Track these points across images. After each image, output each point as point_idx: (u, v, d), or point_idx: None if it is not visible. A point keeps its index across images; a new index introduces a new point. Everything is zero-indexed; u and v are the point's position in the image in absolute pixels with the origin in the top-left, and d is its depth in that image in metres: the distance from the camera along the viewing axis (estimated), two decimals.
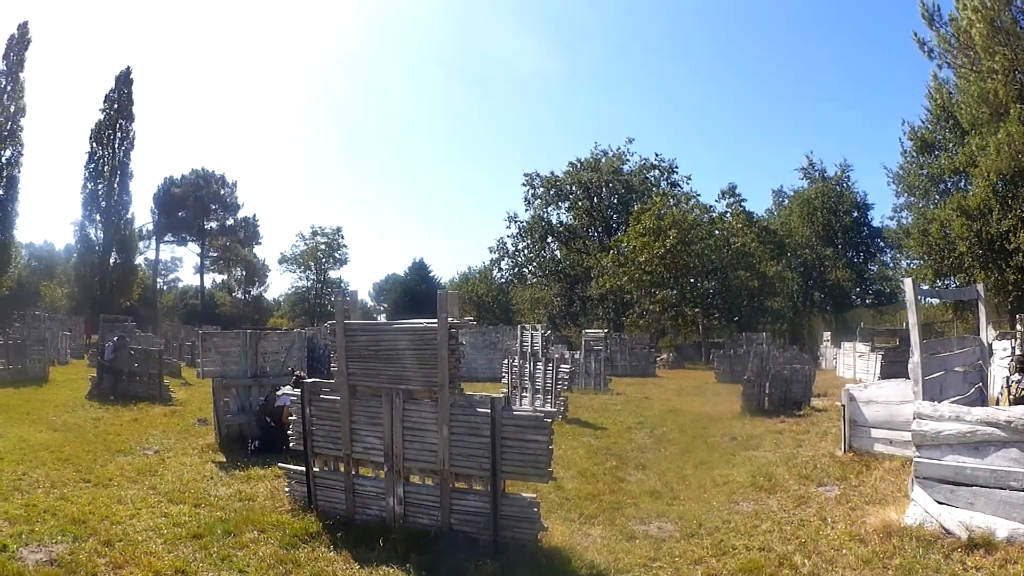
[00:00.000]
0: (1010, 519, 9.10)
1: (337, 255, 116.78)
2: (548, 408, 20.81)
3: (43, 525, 10.24)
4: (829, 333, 59.00)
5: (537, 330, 25.78)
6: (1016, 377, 17.29)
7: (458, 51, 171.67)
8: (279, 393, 16.58)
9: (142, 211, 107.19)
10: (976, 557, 8.82)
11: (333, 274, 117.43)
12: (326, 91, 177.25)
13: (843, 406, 16.44)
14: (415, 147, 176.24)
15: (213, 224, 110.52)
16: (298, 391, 11.50)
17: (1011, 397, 16.53)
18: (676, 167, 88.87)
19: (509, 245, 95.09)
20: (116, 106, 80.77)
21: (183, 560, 8.99)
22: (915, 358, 13.97)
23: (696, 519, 11.03)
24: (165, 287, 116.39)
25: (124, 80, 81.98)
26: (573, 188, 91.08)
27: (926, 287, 48.11)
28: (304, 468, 11.17)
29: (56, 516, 10.71)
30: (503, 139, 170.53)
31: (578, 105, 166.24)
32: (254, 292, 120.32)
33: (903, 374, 16.26)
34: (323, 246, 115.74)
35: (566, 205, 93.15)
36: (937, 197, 55.85)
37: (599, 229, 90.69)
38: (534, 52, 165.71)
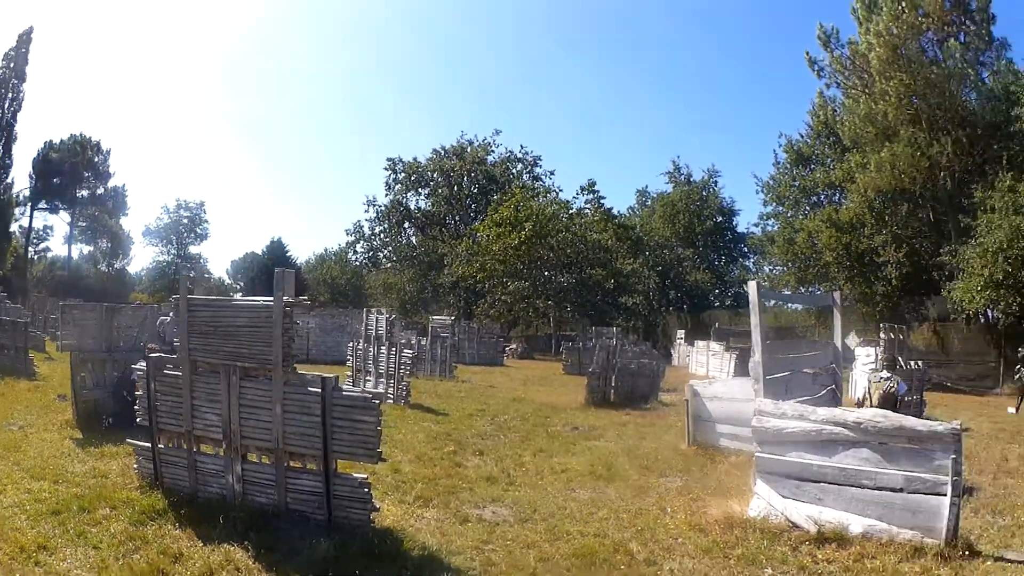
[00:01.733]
0: (864, 515, 9.35)
1: (199, 230, 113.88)
2: (380, 390, 21.22)
3: None
4: (683, 331, 60.13)
5: (383, 314, 25.85)
6: (885, 374, 17.91)
7: (331, 31, 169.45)
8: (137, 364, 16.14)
9: (22, 176, 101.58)
10: (828, 551, 9.03)
11: (194, 249, 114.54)
12: (196, 60, 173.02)
13: (687, 401, 16.81)
14: (281, 124, 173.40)
15: (85, 192, 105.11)
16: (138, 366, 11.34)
17: (880, 395, 17.15)
18: (540, 161, 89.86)
19: (366, 229, 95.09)
20: (13, 64, 78.18)
21: (44, 536, 8.98)
22: (756, 357, 14.45)
23: (531, 505, 11.16)
24: (36, 257, 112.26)
25: (25, 39, 79.36)
26: (435, 175, 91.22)
27: (788, 292, 49.67)
28: (149, 444, 11.04)
29: None
30: (370, 123, 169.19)
31: (448, 96, 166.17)
32: (117, 265, 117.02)
33: None
34: (186, 220, 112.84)
35: (426, 192, 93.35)
36: (808, 208, 57.97)
37: (457, 217, 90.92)
38: (405, 37, 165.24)
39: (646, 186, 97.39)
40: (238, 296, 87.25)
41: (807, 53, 49.80)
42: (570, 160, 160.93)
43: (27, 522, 9.44)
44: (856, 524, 9.30)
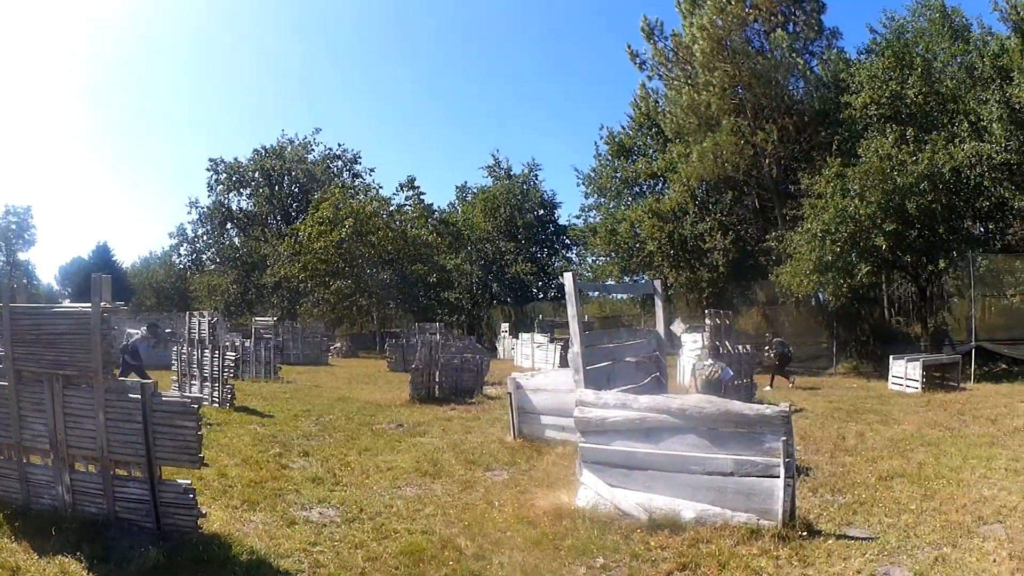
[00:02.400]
0: (696, 500, 9.54)
1: (26, 236, 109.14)
2: (198, 395, 20.68)
3: None
4: (508, 324, 60.57)
5: (205, 317, 25.46)
6: (709, 362, 18.25)
7: (153, 30, 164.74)
8: None
9: None
10: (660, 537, 9.14)
11: (22, 256, 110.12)
12: (17, 54, 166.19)
13: (510, 394, 16.89)
14: (105, 125, 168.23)
15: None
16: None
17: (704, 380, 17.46)
18: (360, 158, 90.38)
19: (189, 231, 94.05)
20: None
21: None
22: (575, 348, 14.69)
23: (358, 504, 11.19)
24: None
25: None
26: (256, 175, 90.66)
27: (612, 282, 50.49)
28: None
29: None
30: (194, 123, 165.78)
31: (267, 95, 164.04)
32: None
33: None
34: (13, 226, 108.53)
35: (247, 192, 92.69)
36: (630, 199, 58.97)
37: (278, 217, 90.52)
38: (227, 29, 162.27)
39: (465, 181, 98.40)
40: (66, 303, 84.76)
41: (628, 46, 50.86)
42: (390, 157, 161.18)
43: None
44: (688, 510, 9.45)
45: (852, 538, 9.20)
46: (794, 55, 43.43)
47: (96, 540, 9.03)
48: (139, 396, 9.31)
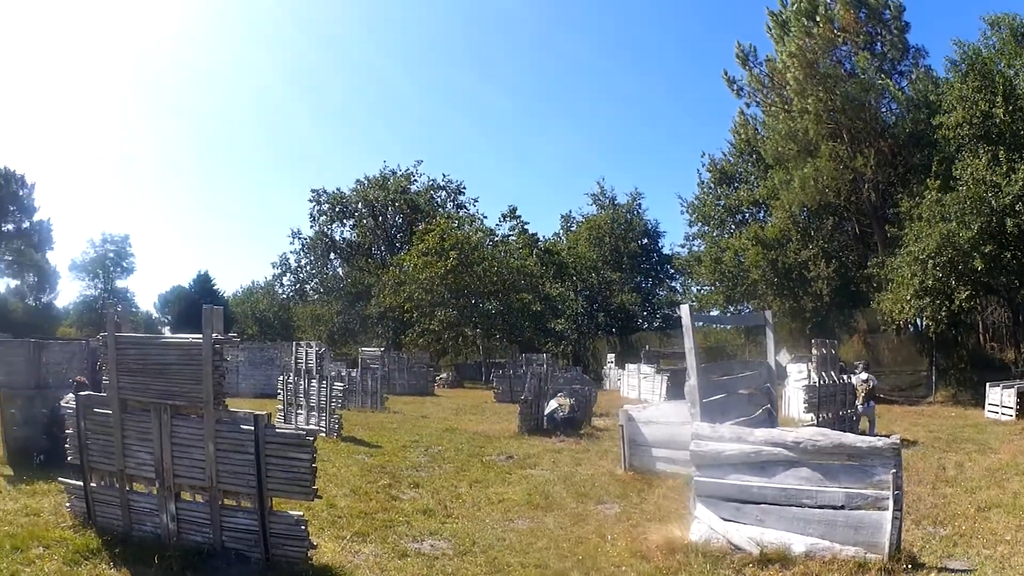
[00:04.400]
0: (806, 534, 9.38)
1: (124, 264, 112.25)
2: (315, 426, 21.02)
3: None
4: (614, 355, 60.13)
5: (312, 347, 25.49)
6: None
7: (249, 60, 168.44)
8: (63, 402, 15.80)
9: None
10: (771, 571, 9.05)
11: (120, 283, 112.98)
12: (116, 92, 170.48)
13: (622, 426, 16.74)
14: (205, 157, 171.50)
15: (10, 226, 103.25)
16: (68, 404, 11.35)
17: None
18: (464, 189, 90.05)
19: (292, 261, 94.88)
20: None
21: None
22: (692, 381, 14.44)
23: (470, 537, 11.02)
24: None
25: None
26: (359, 206, 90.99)
27: (716, 313, 49.95)
28: (82, 483, 10.88)
29: None
30: (295, 153, 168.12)
31: (371, 126, 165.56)
32: (44, 299, 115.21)
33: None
34: (111, 254, 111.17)
35: (351, 222, 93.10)
36: (733, 227, 58.35)
37: (382, 248, 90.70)
38: (326, 65, 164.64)
39: (570, 211, 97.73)
40: (166, 331, 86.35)
41: (725, 72, 50.58)
42: (493, 187, 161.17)
43: None
44: (799, 543, 9.31)
45: (952, 571, 9.11)
46: (882, 76, 42.84)
47: (200, 569, 9.15)
48: (251, 427, 9.36)
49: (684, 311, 15.07)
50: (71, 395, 15.25)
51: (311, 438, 9.28)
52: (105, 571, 9.13)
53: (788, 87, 43.92)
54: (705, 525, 10.01)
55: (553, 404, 24.72)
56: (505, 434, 23.84)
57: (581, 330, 77.97)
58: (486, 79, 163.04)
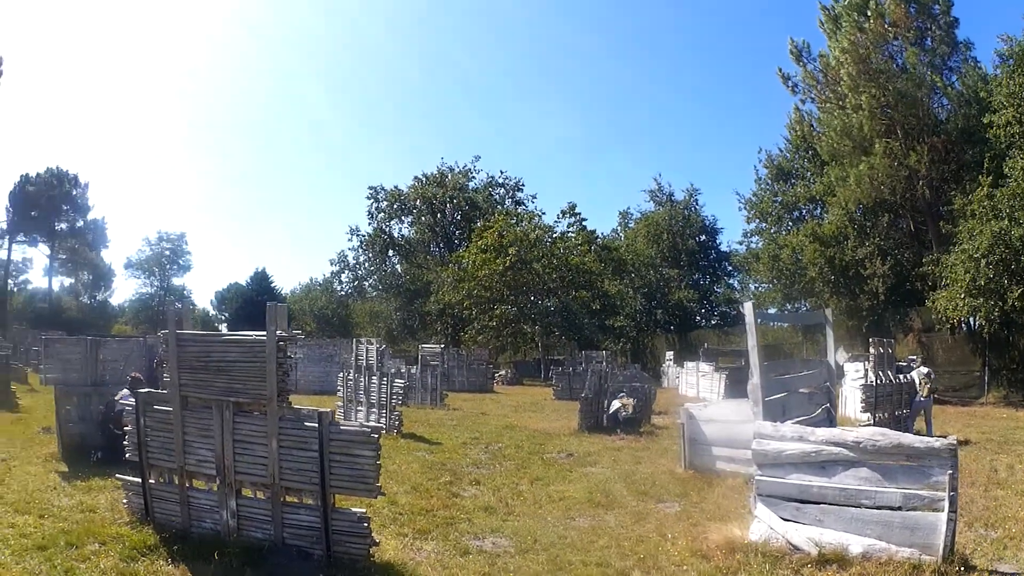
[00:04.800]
0: (864, 535, 9.31)
1: (181, 262, 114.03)
2: (376, 423, 20.67)
3: None
4: (672, 352, 59.87)
5: (372, 344, 25.60)
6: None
7: (306, 59, 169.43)
8: (118, 397, 16.10)
9: None
10: (828, 572, 9.02)
11: (177, 281, 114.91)
12: (171, 91, 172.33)
13: (683, 424, 16.67)
14: (262, 154, 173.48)
15: (64, 225, 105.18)
16: (133, 397, 11.32)
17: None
18: (522, 185, 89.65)
19: (350, 258, 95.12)
20: None
21: (30, 572, 8.87)
22: (754, 379, 14.37)
23: (531, 534, 11.04)
24: (15, 289, 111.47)
25: None
26: (417, 203, 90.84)
27: (774, 311, 49.70)
28: (140, 480, 10.93)
29: None
30: (350, 151, 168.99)
31: (427, 120, 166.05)
32: (99, 297, 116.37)
33: (746, 394, 16.46)
34: (167, 252, 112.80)
35: (409, 219, 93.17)
36: (790, 224, 57.95)
37: (441, 245, 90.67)
38: (383, 61, 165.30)
39: (628, 207, 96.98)
40: (223, 328, 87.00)
41: (779, 69, 50.27)
42: (550, 183, 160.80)
43: (11, 557, 9.36)
44: (856, 544, 9.26)
45: (1003, 574, 9.12)
46: (932, 72, 42.43)
47: (260, 565, 9.19)
48: (316, 424, 9.38)
49: (747, 309, 15.02)
50: (124, 391, 15.53)
51: (376, 435, 9.26)
52: (163, 567, 9.19)
53: (842, 83, 43.59)
54: (765, 525, 9.99)
55: (616, 404, 24.71)
56: (565, 431, 23.86)
57: (640, 327, 77.69)
58: (545, 75, 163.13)
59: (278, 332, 9.60)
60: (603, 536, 10.93)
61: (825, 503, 9.68)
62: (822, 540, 9.45)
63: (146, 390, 11.53)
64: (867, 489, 9.44)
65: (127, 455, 11.20)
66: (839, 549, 9.27)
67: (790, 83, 50.04)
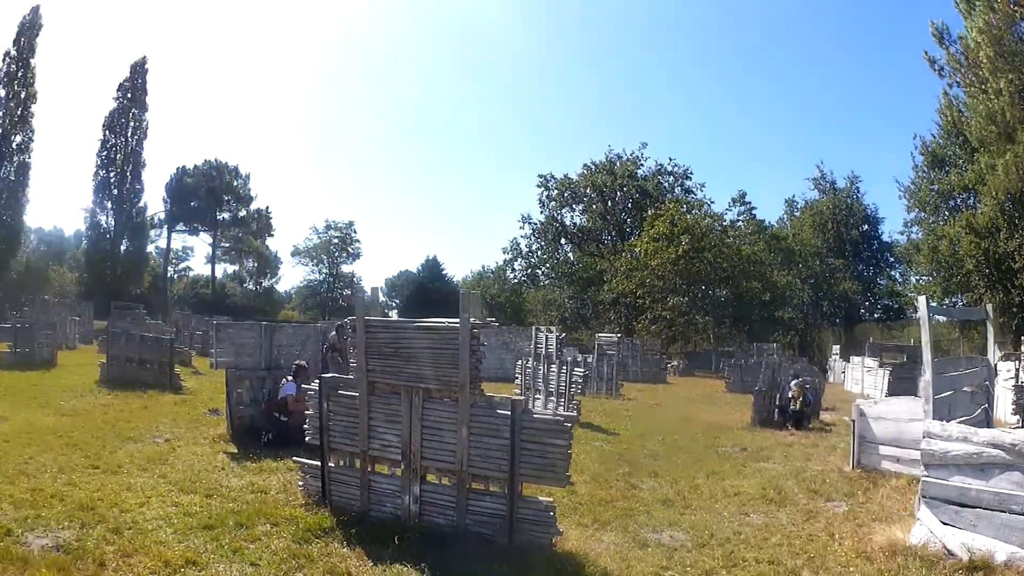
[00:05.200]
0: (1009, 543, 9.08)
1: (350, 249, 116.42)
2: (566, 412, 20.81)
3: (50, 510, 10.13)
4: (839, 346, 58.65)
5: (551, 332, 25.52)
6: None
7: (474, 48, 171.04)
8: (282, 384, 16.60)
9: (154, 200, 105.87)
10: None
11: (345, 268, 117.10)
12: (340, 84, 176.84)
13: (853, 422, 16.45)
14: (430, 143, 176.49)
15: (225, 215, 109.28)
16: (310, 384, 11.68)
17: None
18: (690, 173, 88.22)
19: (523, 246, 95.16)
20: (130, 95, 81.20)
21: (193, 551, 8.87)
22: (926, 376, 13.98)
23: (707, 529, 11.01)
24: (175, 276, 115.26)
25: (139, 69, 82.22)
26: (587, 191, 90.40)
27: (934, 304, 48.26)
28: (319, 463, 11.06)
29: (63, 501, 10.61)
30: (518, 138, 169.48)
31: (594, 107, 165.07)
32: (265, 284, 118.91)
33: (910, 391, 16.38)
34: (336, 240, 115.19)
35: (580, 207, 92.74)
36: (947, 213, 55.94)
37: (612, 233, 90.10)
38: (550, 52, 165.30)
39: (793, 195, 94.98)
40: (393, 315, 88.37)
41: (925, 52, 47.70)
42: (712, 171, 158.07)
43: (174, 536, 9.39)
44: (1001, 552, 9.07)
45: None
46: None
47: (441, 551, 9.01)
48: (508, 412, 9.28)
49: (921, 303, 14.52)
50: (287, 379, 16.04)
51: (568, 424, 9.19)
52: (337, 549, 9.15)
53: (982, 66, 40.91)
54: (925, 528, 9.87)
55: (788, 395, 24.51)
56: (738, 425, 23.95)
57: (807, 319, 76.29)
58: (702, 64, 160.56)
59: (471, 319, 9.49)
60: (776, 533, 10.91)
61: (980, 507, 9.43)
62: (973, 546, 9.23)
63: (330, 375, 11.59)
64: (1017, 494, 9.16)
65: (307, 438, 11.34)
66: (986, 556, 9.08)
67: (936, 66, 47.67)
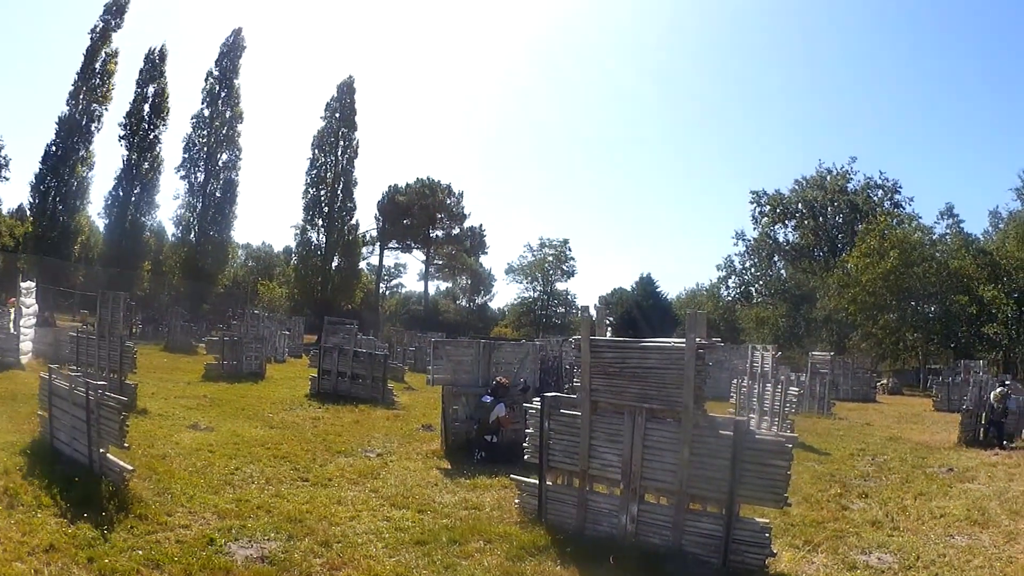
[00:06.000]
0: None
1: (564, 267, 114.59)
2: (781, 432, 20.72)
3: (256, 521, 9.94)
4: None
5: (767, 351, 24.86)
6: None
7: (679, 65, 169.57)
8: (484, 399, 16.30)
9: (366, 217, 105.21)
10: None
11: (560, 286, 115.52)
12: (554, 102, 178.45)
13: None
14: (641, 161, 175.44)
15: (439, 232, 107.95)
16: (514, 401, 11.87)
17: None
18: (899, 187, 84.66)
19: (736, 263, 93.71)
20: (338, 115, 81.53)
21: (404, 566, 8.61)
22: None
23: (915, 551, 10.64)
24: (388, 292, 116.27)
25: (347, 89, 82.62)
26: (799, 206, 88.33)
27: None
28: (537, 481, 10.73)
29: (270, 513, 10.38)
30: (726, 154, 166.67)
31: (798, 120, 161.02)
32: (479, 301, 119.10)
33: None
34: (550, 258, 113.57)
35: (792, 223, 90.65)
36: None
37: (824, 249, 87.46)
38: (756, 66, 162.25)
39: (996, 206, 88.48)
40: (608, 333, 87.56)
41: None
42: (919, 182, 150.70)
43: (384, 550, 9.12)
44: None
45: None
46: None
47: (656, 571, 8.78)
48: (731, 433, 8.94)
49: None
50: (486, 396, 15.80)
51: (790, 445, 8.83)
52: (551, 568, 8.80)
53: None
54: None
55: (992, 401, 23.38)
56: (945, 444, 22.96)
57: (1011, 335, 72.34)
58: (908, 73, 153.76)
59: (697, 339, 9.18)
60: (978, 556, 10.45)
61: None
62: None
63: (552, 395, 11.21)
64: None
65: (526, 457, 11.01)
66: None
67: None
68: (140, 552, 8.39)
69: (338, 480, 13.14)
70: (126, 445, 11.03)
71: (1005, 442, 22.47)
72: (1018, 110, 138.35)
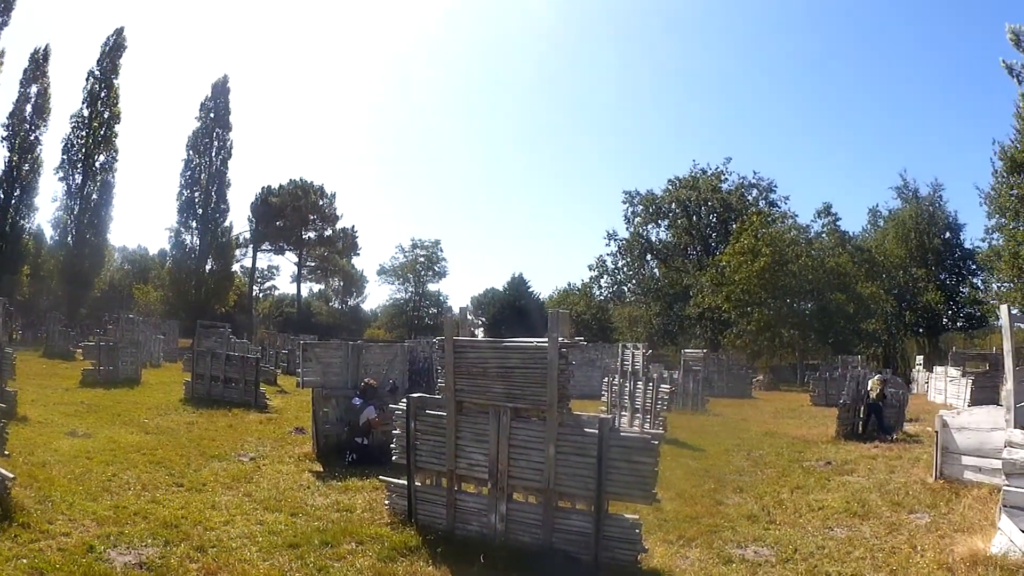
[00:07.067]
0: None
1: (436, 268, 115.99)
2: (652, 429, 20.74)
3: (133, 527, 10.09)
4: (922, 357, 57.52)
5: (638, 349, 25.14)
6: None
7: (555, 68, 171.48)
8: (354, 402, 16.60)
9: (239, 219, 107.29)
10: None
11: (432, 287, 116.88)
12: (425, 102, 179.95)
13: (936, 432, 16.08)
14: (514, 162, 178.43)
15: (311, 234, 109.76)
16: (381, 402, 11.76)
17: None
18: (775, 187, 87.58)
19: (609, 263, 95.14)
20: (212, 115, 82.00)
21: (278, 569, 8.82)
22: (1008, 386, 13.81)
23: (792, 544, 10.86)
24: (261, 294, 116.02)
25: (221, 89, 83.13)
26: (672, 206, 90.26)
27: (1016, 312, 47.12)
28: (405, 482, 10.95)
29: (147, 519, 10.54)
30: (600, 155, 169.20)
31: (675, 121, 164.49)
32: (351, 302, 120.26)
33: (993, 400, 15.95)
34: (422, 259, 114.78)
35: (665, 223, 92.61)
36: None
37: (698, 248, 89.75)
38: (630, 68, 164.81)
39: (876, 204, 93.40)
40: (479, 333, 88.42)
41: (1003, 60, 46.70)
42: (798, 181, 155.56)
43: (258, 554, 9.31)
44: None
45: None
46: None
47: (527, 569, 8.99)
48: (596, 431, 9.10)
49: (1003, 312, 14.30)
50: (356, 398, 16.02)
51: (656, 442, 8.99)
52: (423, 568, 9.01)
53: None
54: (1006, 538, 9.68)
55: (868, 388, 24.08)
56: (823, 438, 23.43)
57: (890, 331, 74.90)
58: (786, 74, 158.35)
59: (560, 338, 9.34)
60: (859, 547, 10.72)
61: None
62: None
63: (417, 395, 11.37)
64: None
65: (393, 458, 11.19)
66: None
67: (1014, 73, 46.62)
68: (24, 561, 8.55)
69: (212, 485, 13.39)
70: (6, 453, 11.51)
71: (885, 434, 23.00)
72: (897, 110, 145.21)
